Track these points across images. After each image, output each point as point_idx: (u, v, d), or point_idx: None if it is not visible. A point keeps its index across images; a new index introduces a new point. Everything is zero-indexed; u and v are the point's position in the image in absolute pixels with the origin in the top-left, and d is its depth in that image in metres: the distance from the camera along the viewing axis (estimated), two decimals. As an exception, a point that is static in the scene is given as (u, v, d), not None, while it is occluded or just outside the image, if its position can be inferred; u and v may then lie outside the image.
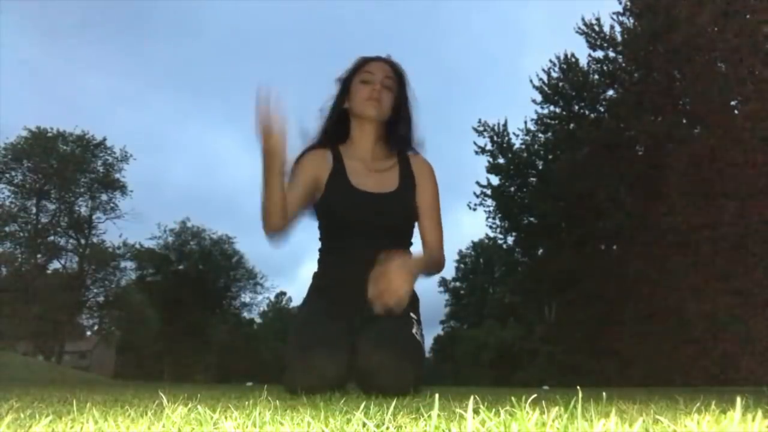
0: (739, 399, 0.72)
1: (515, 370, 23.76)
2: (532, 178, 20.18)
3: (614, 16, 16.89)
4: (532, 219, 20.36)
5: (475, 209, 20.23)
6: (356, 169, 1.92)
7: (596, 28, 17.33)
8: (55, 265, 25.84)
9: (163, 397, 1.29)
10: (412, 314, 1.82)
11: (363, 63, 1.97)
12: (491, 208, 20.29)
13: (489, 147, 19.81)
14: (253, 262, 34.86)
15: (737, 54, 12.84)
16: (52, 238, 25.26)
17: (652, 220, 14.05)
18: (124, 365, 32.55)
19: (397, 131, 2.00)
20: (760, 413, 0.62)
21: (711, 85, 13.28)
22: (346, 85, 1.98)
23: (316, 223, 1.97)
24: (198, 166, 68.61)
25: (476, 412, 0.73)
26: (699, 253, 12.83)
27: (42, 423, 0.73)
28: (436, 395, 0.82)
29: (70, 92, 60.15)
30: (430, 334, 41.42)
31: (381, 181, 1.90)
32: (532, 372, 20.29)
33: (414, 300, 1.92)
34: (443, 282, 41.48)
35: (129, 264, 27.83)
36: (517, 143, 19.84)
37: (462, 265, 40.88)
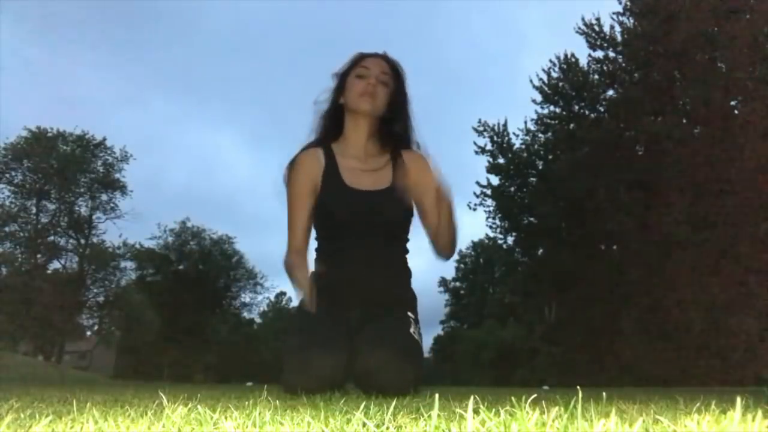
0: (739, 399, 0.72)
1: (515, 370, 23.75)
2: (532, 178, 20.18)
3: (614, 16, 16.91)
4: (532, 219, 20.36)
5: (475, 209, 20.24)
6: (349, 167, 1.91)
7: (596, 28, 17.34)
8: (55, 265, 25.81)
9: (163, 397, 1.29)
10: (409, 314, 1.82)
11: (359, 58, 1.97)
12: (491, 208, 20.29)
13: (489, 147, 19.81)
14: (253, 262, 34.88)
15: (737, 54, 12.84)
16: (52, 238, 25.23)
17: (652, 220, 14.05)
18: (124, 365, 32.52)
19: (392, 128, 1.99)
20: (760, 413, 0.62)
21: (711, 85, 13.28)
22: (342, 80, 1.98)
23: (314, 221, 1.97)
24: (198, 166, 68.57)
25: (476, 412, 0.73)
26: (699, 253, 12.83)
27: (42, 423, 0.73)
28: (436, 395, 0.82)
29: (70, 92, 60.09)
30: (430, 334, 41.43)
31: (374, 179, 1.89)
32: (532, 372, 20.29)
33: (412, 299, 1.92)
34: (443, 282, 41.54)
35: (129, 264, 27.79)
36: (517, 143, 19.85)
37: (462, 265, 40.88)
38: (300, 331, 1.69)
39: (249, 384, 4.96)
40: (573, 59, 18.65)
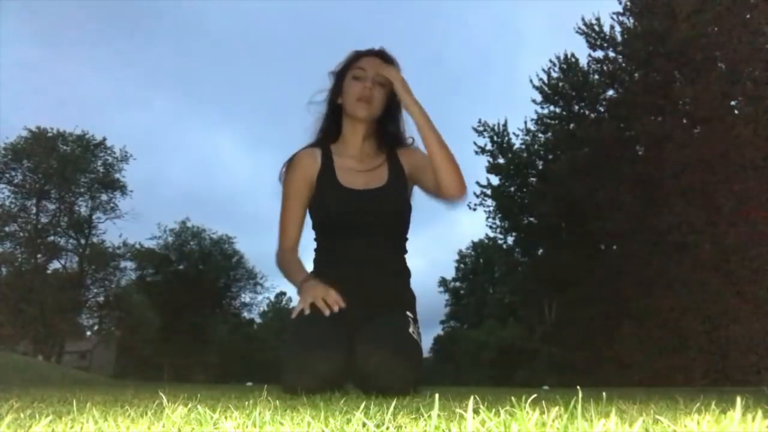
0: (739, 399, 0.72)
1: (515, 370, 23.76)
2: (532, 178, 20.20)
3: (614, 16, 16.93)
4: (532, 219, 20.38)
5: (475, 209, 20.26)
6: (345, 167, 1.92)
7: (596, 28, 17.35)
8: (55, 265, 25.84)
9: (163, 397, 1.29)
10: (408, 313, 1.82)
11: (355, 58, 1.97)
12: (491, 208, 20.32)
13: (489, 147, 19.85)
14: (253, 262, 34.89)
15: (737, 54, 12.84)
16: (52, 238, 25.24)
17: (652, 220, 14.05)
18: (124, 365, 32.52)
19: (388, 129, 2.00)
20: (760, 413, 0.62)
21: (711, 85, 13.28)
22: (339, 80, 1.98)
23: (311, 223, 1.98)
24: (198, 166, 68.62)
25: (476, 412, 0.73)
26: (699, 253, 12.83)
27: (42, 423, 0.73)
28: (436, 395, 0.82)
29: (70, 92, 60.12)
30: (430, 334, 41.45)
31: (370, 179, 1.90)
32: (532, 372, 20.30)
33: (411, 299, 1.92)
34: (443, 282, 41.56)
35: (129, 264, 27.83)
36: (517, 143, 19.89)
37: (462, 265, 40.91)
38: (299, 331, 1.68)
39: (249, 384, 4.96)
40: (573, 59, 18.67)
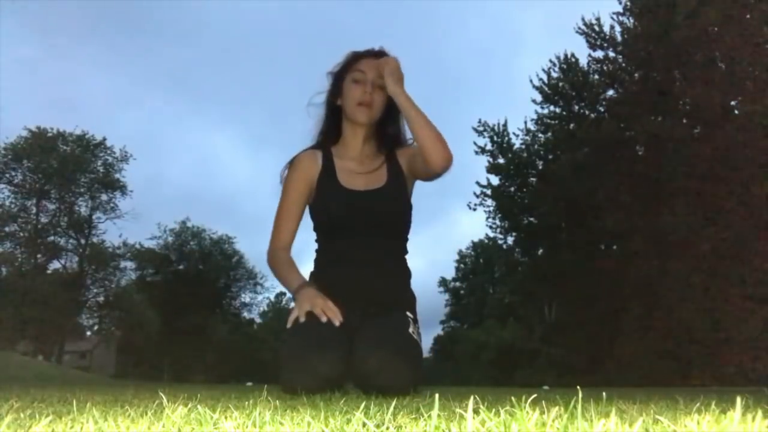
0: (739, 399, 0.72)
1: (515, 370, 23.74)
2: (532, 178, 20.20)
3: (614, 16, 16.93)
4: (532, 219, 20.38)
5: (475, 209, 20.27)
6: (346, 168, 1.92)
7: (596, 28, 17.34)
8: (55, 265, 25.87)
9: (163, 397, 1.29)
10: (408, 313, 1.82)
11: (354, 59, 1.96)
12: (491, 208, 20.32)
13: (489, 147, 19.84)
14: (253, 262, 34.89)
15: (737, 54, 12.84)
16: (52, 238, 25.26)
17: (652, 220, 14.05)
18: (124, 365, 32.54)
19: (387, 131, 2.00)
20: (760, 413, 0.62)
21: (711, 85, 13.28)
22: (337, 81, 1.97)
23: (311, 224, 1.98)
24: (197, 166, 68.59)
25: (476, 412, 0.73)
26: (699, 253, 12.83)
27: (42, 423, 0.73)
28: (436, 395, 0.82)
29: (70, 92, 60.16)
30: (430, 334, 41.45)
31: (370, 180, 1.90)
32: (532, 372, 20.29)
33: (411, 299, 1.93)
34: (443, 282, 41.56)
35: (129, 264, 27.86)
36: (517, 143, 19.88)
37: (462, 265, 40.91)
38: (299, 331, 1.68)
39: (249, 384, 4.96)
40: (573, 59, 18.66)
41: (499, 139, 19.82)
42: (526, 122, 19.67)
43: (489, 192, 20.03)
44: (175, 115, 69.08)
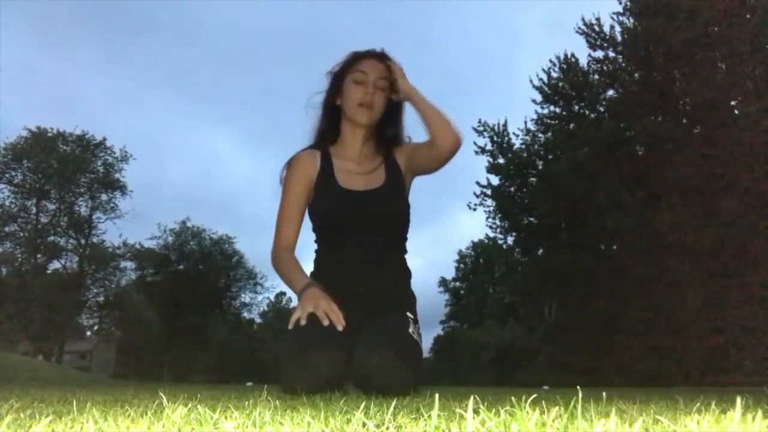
0: (739, 399, 0.72)
1: (515, 370, 23.74)
2: (532, 178, 20.19)
3: (614, 16, 16.92)
4: (532, 219, 20.37)
5: (475, 209, 20.27)
6: (345, 169, 1.92)
7: (596, 28, 17.34)
8: (55, 265, 25.85)
9: (163, 397, 1.29)
10: (408, 314, 1.82)
11: (355, 60, 1.95)
12: (491, 208, 20.32)
13: (489, 147, 19.84)
14: (253, 262, 34.91)
15: (737, 54, 12.84)
16: (52, 238, 25.24)
17: (652, 220, 14.05)
18: (124, 365, 32.53)
19: (386, 132, 2.00)
20: (760, 413, 0.62)
21: (711, 85, 13.28)
22: (338, 81, 1.96)
23: (310, 225, 1.97)
24: (197, 166, 68.69)
25: (476, 412, 0.73)
26: (699, 253, 12.83)
27: (42, 423, 0.73)
28: (436, 395, 0.82)
29: (70, 92, 60.24)
30: (430, 334, 41.48)
31: (368, 180, 1.90)
32: (532, 372, 20.28)
33: (411, 299, 1.92)
34: (443, 282, 41.59)
35: (129, 264, 27.84)
36: (517, 143, 19.89)
37: (462, 265, 40.94)
38: (299, 331, 1.68)
39: (249, 384, 4.96)
40: (573, 59, 18.66)
41: (499, 139, 19.82)
42: (526, 122, 19.70)
43: (489, 192, 20.03)
44: (175, 115, 69.15)
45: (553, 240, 19.53)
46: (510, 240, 21.93)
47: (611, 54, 17.49)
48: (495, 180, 20.00)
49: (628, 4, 16.61)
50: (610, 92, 18.10)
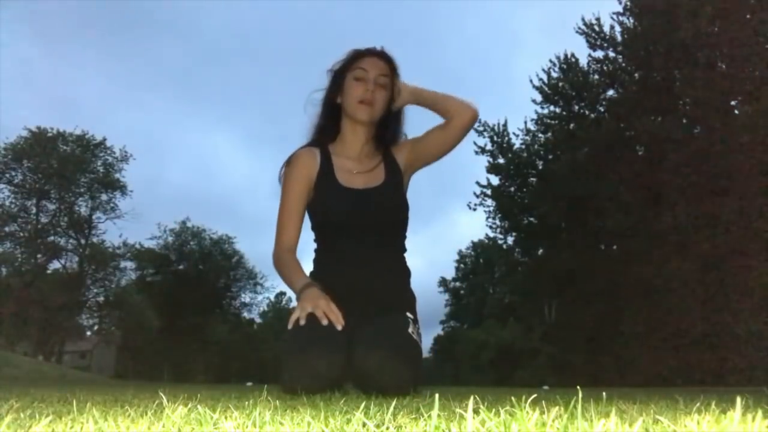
0: (739, 399, 0.72)
1: (515, 370, 23.76)
2: (532, 178, 20.18)
3: (614, 16, 16.92)
4: (532, 219, 20.37)
5: (475, 209, 20.26)
6: (345, 167, 1.91)
7: (596, 28, 17.34)
8: (55, 265, 25.84)
9: (163, 397, 1.29)
10: (408, 314, 1.82)
11: (356, 57, 1.94)
12: (491, 208, 20.30)
13: (489, 147, 19.82)
14: (253, 262, 34.93)
15: (737, 54, 12.84)
16: (52, 238, 25.24)
17: (652, 220, 14.05)
18: (124, 365, 32.53)
19: (386, 130, 1.99)
20: (760, 413, 0.62)
21: (711, 85, 13.28)
22: (338, 79, 1.96)
23: (310, 224, 1.97)
24: (197, 166, 68.74)
25: (476, 412, 0.73)
26: (699, 253, 12.82)
27: (42, 423, 0.73)
28: (436, 395, 0.82)
29: (70, 92, 60.22)
30: (430, 334, 41.48)
31: (368, 179, 1.90)
32: (532, 372, 20.30)
33: (411, 299, 1.92)
34: (443, 282, 41.58)
35: (129, 264, 27.84)
36: (517, 143, 19.87)
37: (462, 265, 40.93)
38: (299, 331, 1.68)
39: (249, 384, 4.96)
40: (573, 59, 18.65)
41: (499, 139, 19.81)
42: (526, 122, 19.68)
43: (489, 192, 20.02)
44: (175, 115, 69.14)
45: (553, 240, 19.53)
46: (510, 240, 21.92)
47: (611, 54, 17.49)
48: (495, 180, 20.01)
49: (628, 4, 16.61)
50: (610, 92, 18.10)
